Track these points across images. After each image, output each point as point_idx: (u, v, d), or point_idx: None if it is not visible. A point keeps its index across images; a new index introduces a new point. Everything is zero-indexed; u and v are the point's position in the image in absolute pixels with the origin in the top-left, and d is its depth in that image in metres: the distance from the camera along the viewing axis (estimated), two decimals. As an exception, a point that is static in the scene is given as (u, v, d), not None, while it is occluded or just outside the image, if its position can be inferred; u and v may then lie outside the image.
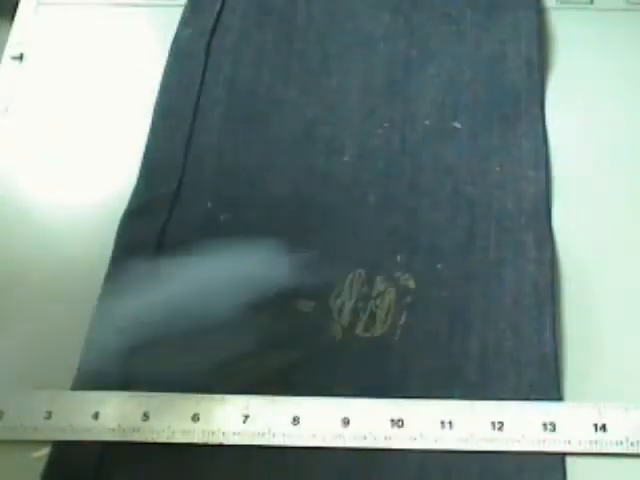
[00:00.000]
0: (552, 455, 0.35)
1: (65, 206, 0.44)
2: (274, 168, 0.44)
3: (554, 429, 0.35)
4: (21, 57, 0.50)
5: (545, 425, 0.35)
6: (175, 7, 0.51)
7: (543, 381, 0.37)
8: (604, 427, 0.35)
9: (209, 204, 0.43)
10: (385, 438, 0.35)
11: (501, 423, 0.35)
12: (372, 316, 0.39)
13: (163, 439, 0.36)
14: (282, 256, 0.40)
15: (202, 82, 0.47)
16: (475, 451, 0.35)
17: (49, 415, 0.36)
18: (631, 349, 0.38)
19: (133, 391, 0.37)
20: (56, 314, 0.40)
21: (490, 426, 0.35)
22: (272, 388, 0.37)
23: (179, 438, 0.36)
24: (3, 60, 0.50)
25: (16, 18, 0.52)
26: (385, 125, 0.45)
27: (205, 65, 0.48)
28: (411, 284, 0.40)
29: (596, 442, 0.35)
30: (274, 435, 0.36)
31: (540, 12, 0.49)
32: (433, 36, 0.49)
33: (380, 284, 0.40)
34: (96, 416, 0.36)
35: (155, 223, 0.42)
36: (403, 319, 0.39)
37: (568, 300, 0.39)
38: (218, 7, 0.50)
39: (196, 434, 0.36)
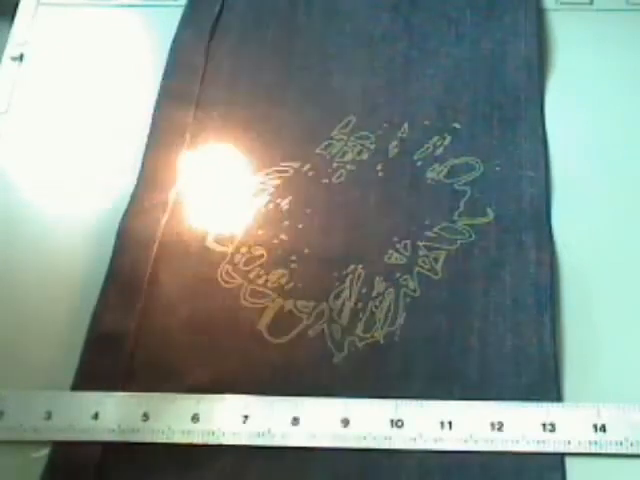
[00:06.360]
0: (552, 455, 0.35)
1: (64, 206, 0.44)
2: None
3: (553, 429, 0.35)
4: (21, 57, 0.50)
5: (544, 425, 0.35)
6: (175, 7, 0.51)
7: (543, 381, 0.37)
8: (604, 427, 0.35)
9: None
10: (385, 438, 0.35)
11: (501, 423, 0.35)
12: (372, 316, 0.39)
13: (163, 439, 0.36)
14: None
15: (202, 82, 0.47)
16: (475, 451, 0.35)
17: (49, 415, 0.36)
18: (630, 350, 0.38)
19: (133, 388, 0.37)
20: (56, 314, 0.40)
21: (489, 426, 0.35)
22: (272, 388, 0.37)
23: (179, 438, 0.36)
24: (3, 60, 0.50)
25: (16, 18, 0.52)
26: (385, 125, 0.45)
27: (205, 65, 0.48)
28: (411, 284, 0.40)
29: (596, 442, 0.35)
30: (274, 435, 0.36)
31: (540, 12, 0.49)
32: (433, 36, 0.49)
33: (380, 284, 0.40)
34: (96, 416, 0.36)
35: (155, 224, 0.42)
36: (403, 319, 0.39)
37: (568, 300, 0.39)
38: (218, 7, 0.50)
39: (196, 434, 0.36)
